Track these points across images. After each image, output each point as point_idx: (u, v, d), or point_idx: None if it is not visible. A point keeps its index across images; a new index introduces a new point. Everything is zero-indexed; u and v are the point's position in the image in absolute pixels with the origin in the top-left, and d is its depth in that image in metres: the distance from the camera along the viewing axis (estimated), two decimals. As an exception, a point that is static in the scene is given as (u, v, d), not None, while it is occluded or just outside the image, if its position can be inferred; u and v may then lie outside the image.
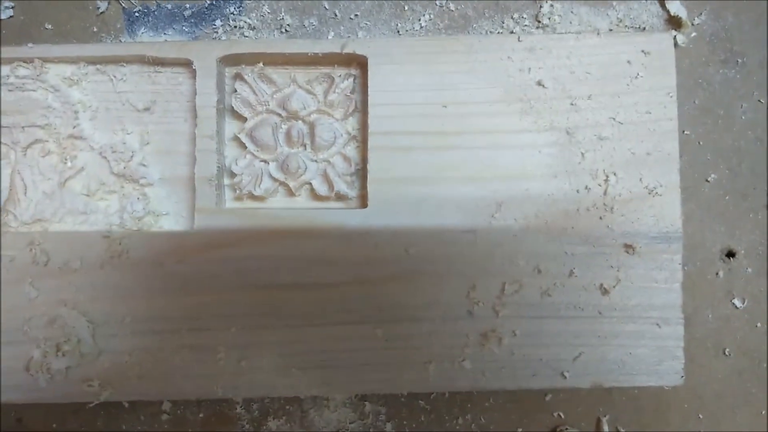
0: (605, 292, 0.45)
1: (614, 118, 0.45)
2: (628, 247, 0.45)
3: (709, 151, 0.51)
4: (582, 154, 0.45)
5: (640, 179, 0.45)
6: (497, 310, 0.45)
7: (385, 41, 0.47)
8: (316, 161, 0.47)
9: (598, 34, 0.46)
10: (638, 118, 0.45)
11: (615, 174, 0.45)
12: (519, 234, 0.45)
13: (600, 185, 0.45)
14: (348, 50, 0.46)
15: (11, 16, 0.51)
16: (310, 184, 0.47)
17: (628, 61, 0.46)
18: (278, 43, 0.47)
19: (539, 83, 0.45)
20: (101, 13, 0.51)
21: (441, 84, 0.46)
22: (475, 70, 0.46)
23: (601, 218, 0.45)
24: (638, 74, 0.46)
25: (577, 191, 0.45)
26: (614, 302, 0.45)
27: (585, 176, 0.45)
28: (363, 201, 0.46)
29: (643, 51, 0.46)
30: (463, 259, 0.45)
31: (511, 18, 0.51)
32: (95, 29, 0.51)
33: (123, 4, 0.51)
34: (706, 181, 0.51)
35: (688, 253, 0.49)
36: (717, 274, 0.51)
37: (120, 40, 0.51)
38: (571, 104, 0.45)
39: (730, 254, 0.51)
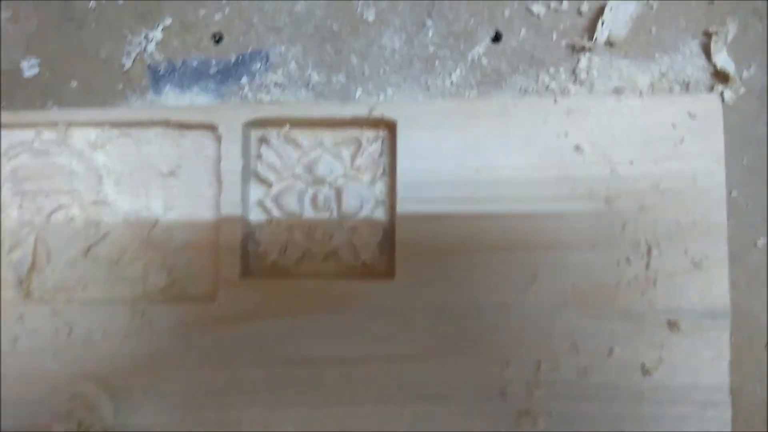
0: (647, 372, 0.42)
1: (657, 186, 0.43)
2: (672, 324, 0.42)
3: (758, 214, 0.48)
4: (623, 224, 0.43)
5: (685, 251, 0.43)
6: (532, 390, 0.43)
7: (414, 104, 0.45)
8: (342, 228, 0.45)
9: (640, 94, 0.44)
10: (683, 186, 0.43)
11: (658, 246, 0.43)
12: (555, 308, 0.43)
13: (642, 258, 0.43)
14: (376, 114, 0.44)
15: (37, 74, 0.50)
16: (337, 251, 0.45)
17: (673, 125, 0.43)
18: (305, 107, 0.45)
19: (577, 148, 0.43)
20: (126, 70, 0.50)
21: (473, 148, 0.44)
22: (508, 134, 0.44)
23: (642, 293, 0.43)
24: (683, 138, 0.43)
25: (618, 264, 0.43)
26: (656, 383, 0.42)
27: (626, 247, 0.43)
28: (391, 271, 0.44)
29: (688, 113, 0.43)
30: (496, 335, 0.43)
31: (547, 73, 0.48)
32: (121, 86, 0.50)
33: (148, 62, 0.50)
34: (755, 246, 0.47)
35: (735, 323, 0.46)
36: (766, 344, 0.47)
37: (146, 98, 0.50)
38: (611, 170, 0.43)
39: (781, 324, 0.47)
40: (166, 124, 0.45)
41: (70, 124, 0.46)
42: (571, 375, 0.43)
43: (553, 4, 0.48)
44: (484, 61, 0.49)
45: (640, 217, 0.43)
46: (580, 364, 0.43)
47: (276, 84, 0.50)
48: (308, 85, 0.49)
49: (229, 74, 0.50)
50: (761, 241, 0.47)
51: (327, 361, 0.43)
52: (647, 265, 0.43)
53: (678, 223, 0.43)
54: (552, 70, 0.48)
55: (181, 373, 0.44)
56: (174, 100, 0.50)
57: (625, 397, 0.42)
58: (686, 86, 0.48)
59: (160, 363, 0.44)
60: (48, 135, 0.46)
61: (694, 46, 0.48)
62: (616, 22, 0.47)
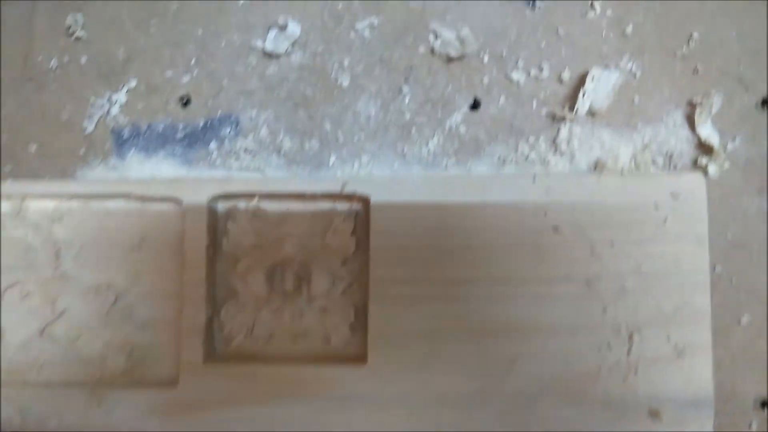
0: (628, 463, 0.40)
1: (639, 269, 0.42)
2: (654, 414, 0.41)
3: (742, 291, 0.46)
4: (604, 307, 0.41)
5: (668, 337, 0.41)
6: (509, 480, 0.41)
7: (388, 178, 0.43)
8: (312, 309, 0.43)
9: (621, 173, 0.42)
10: (665, 269, 0.41)
11: (640, 331, 0.41)
12: (534, 396, 0.41)
13: (623, 343, 0.42)
14: (349, 190, 0.42)
15: (-5, 136, 0.48)
16: (306, 333, 0.43)
17: (655, 205, 0.42)
18: (274, 181, 0.43)
19: (556, 228, 0.41)
20: (89, 134, 0.48)
21: (449, 227, 0.42)
22: (485, 213, 0.42)
23: (624, 380, 0.41)
24: (666, 219, 0.41)
25: (599, 349, 0.41)
26: (638, 474, 0.40)
27: (607, 332, 0.41)
28: (363, 355, 0.42)
29: (671, 193, 0.42)
30: (474, 424, 0.41)
31: (527, 142, 0.47)
32: (82, 151, 0.48)
33: (111, 125, 0.48)
34: (739, 324, 0.46)
35: (719, 403, 0.45)
36: (750, 425, 0.46)
37: (108, 163, 0.47)
38: (592, 252, 0.41)
39: (766, 404, 0.46)
40: (128, 197, 0.43)
41: (25, 196, 0.43)
42: (550, 467, 0.41)
43: (533, 72, 0.46)
44: (462, 129, 0.47)
45: (621, 300, 0.41)
46: (559, 455, 0.40)
47: (246, 150, 0.48)
48: (280, 151, 0.47)
49: (196, 139, 0.48)
50: (745, 319, 0.45)
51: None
52: (629, 351, 0.41)
53: (660, 307, 0.41)
54: (532, 139, 0.47)
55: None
56: (138, 165, 0.48)
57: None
58: (669, 158, 0.46)
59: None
60: (3, 206, 0.43)
61: (678, 116, 0.46)
62: (598, 92, 0.45)
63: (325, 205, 0.44)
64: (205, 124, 0.48)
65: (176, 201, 0.43)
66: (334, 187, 0.42)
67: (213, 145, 0.48)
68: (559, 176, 0.43)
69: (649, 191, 0.42)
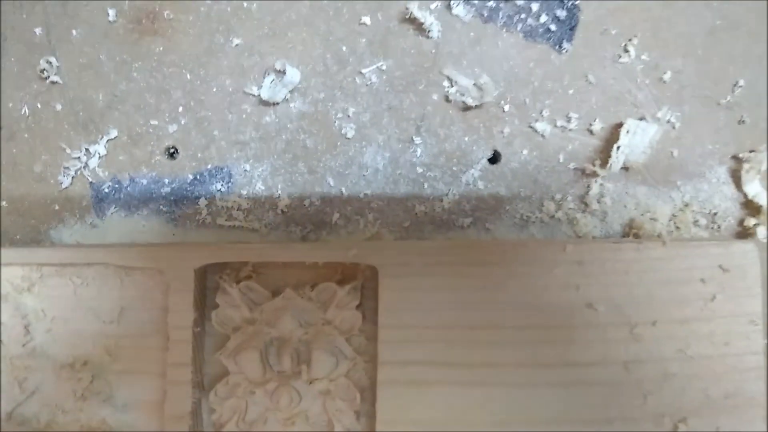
0: None
1: (684, 351, 0.37)
2: None
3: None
4: (644, 395, 0.37)
5: (718, 429, 0.36)
6: None
7: (400, 248, 0.38)
8: (313, 391, 0.38)
9: (663, 243, 0.37)
10: (714, 352, 0.37)
11: (685, 422, 0.37)
12: None
13: (666, 436, 0.36)
14: (355, 260, 0.37)
15: (-38, 190, 0.43)
16: (306, 419, 0.38)
17: (702, 280, 0.37)
18: (270, 248, 0.38)
19: (589, 305, 0.36)
20: (64, 189, 0.43)
21: (466, 303, 0.37)
22: (507, 287, 0.37)
23: (667, 479, 0.35)
24: (714, 296, 0.37)
25: (638, 443, 0.35)
26: None
27: (647, 424, 0.37)
28: (371, 450, 0.37)
29: (720, 266, 0.37)
30: None
31: (552, 200, 0.41)
32: (57, 207, 0.43)
33: (90, 179, 0.43)
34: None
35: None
36: None
37: (86, 221, 0.42)
38: (631, 332, 0.37)
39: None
40: (105, 265, 0.38)
41: (-9, 264, 0.38)
42: None
43: (559, 122, 0.41)
44: (480, 184, 0.42)
45: (664, 387, 0.37)
46: None
47: (239, 207, 0.42)
48: (277, 208, 0.43)
49: (184, 195, 0.43)
50: (800, 400, 0.40)
51: None
52: (673, 446, 0.36)
53: (708, 395, 0.37)
54: (558, 196, 0.42)
55: None
56: (120, 224, 0.43)
57: None
58: (713, 218, 0.41)
59: None
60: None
61: (722, 172, 0.41)
62: (633, 145, 0.40)
63: (326, 275, 0.39)
64: (194, 178, 0.43)
65: (159, 271, 0.37)
66: (338, 256, 0.37)
67: (202, 201, 0.43)
68: (593, 245, 0.37)
69: (695, 263, 0.37)
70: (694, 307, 0.37)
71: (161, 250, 0.38)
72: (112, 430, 0.39)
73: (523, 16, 0.41)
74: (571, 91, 0.42)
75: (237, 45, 0.43)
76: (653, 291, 0.37)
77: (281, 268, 0.39)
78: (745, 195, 0.41)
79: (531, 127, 0.42)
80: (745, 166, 0.41)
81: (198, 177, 0.43)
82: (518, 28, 0.41)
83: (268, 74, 0.42)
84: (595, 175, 0.41)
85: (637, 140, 0.40)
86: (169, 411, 0.37)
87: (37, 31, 0.44)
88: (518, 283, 0.37)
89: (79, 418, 0.39)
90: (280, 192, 0.43)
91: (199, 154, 0.43)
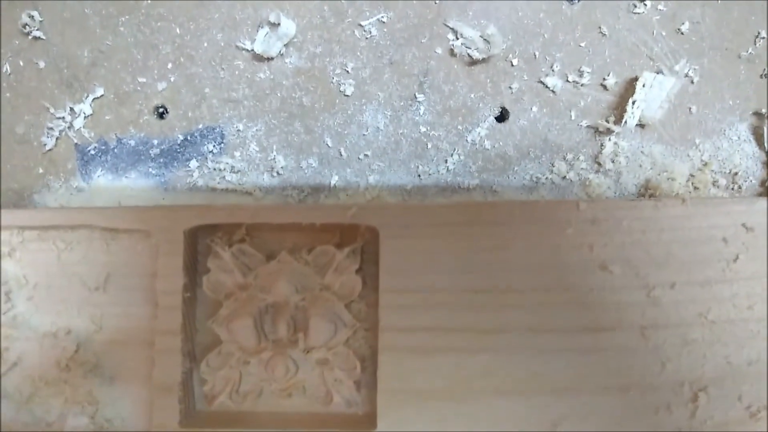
0: None
1: (705, 316, 0.34)
2: (723, 490, 0.33)
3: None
4: (662, 362, 0.35)
5: (739, 398, 0.34)
6: None
7: (402, 208, 0.35)
8: (310, 360, 0.36)
9: (683, 201, 0.34)
10: (737, 316, 0.35)
11: (706, 390, 0.34)
12: None
13: (686, 405, 0.35)
14: (354, 220, 0.34)
15: (-59, 153, 0.41)
16: (303, 391, 0.36)
17: (724, 239, 0.35)
18: (265, 209, 0.36)
19: (604, 267, 0.34)
20: (48, 150, 0.40)
21: (472, 265, 0.35)
22: (516, 248, 0.35)
23: (687, 450, 0.33)
24: (737, 256, 0.35)
25: (656, 412, 0.35)
26: None
27: (666, 392, 0.35)
28: (372, 418, 0.35)
29: (743, 225, 0.34)
30: None
31: (564, 159, 0.39)
32: (41, 170, 0.41)
33: (75, 141, 0.40)
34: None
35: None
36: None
37: (71, 185, 0.40)
38: (648, 295, 0.34)
39: None
40: (90, 228, 0.35)
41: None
42: None
43: (571, 77, 0.39)
44: (487, 144, 0.40)
45: (683, 353, 0.35)
46: None
47: (232, 169, 0.40)
48: (272, 170, 0.40)
49: (174, 156, 0.40)
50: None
51: None
52: (693, 415, 0.35)
53: (730, 361, 0.35)
54: (570, 156, 0.39)
55: None
56: (106, 187, 0.40)
57: None
58: (733, 178, 0.39)
59: None
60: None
61: (743, 129, 0.39)
62: (649, 100, 0.38)
63: (324, 238, 0.36)
64: (185, 138, 0.41)
65: (147, 233, 0.35)
66: (336, 217, 0.35)
67: (193, 163, 0.41)
68: (608, 203, 0.35)
69: (717, 222, 0.34)
70: (715, 268, 0.35)
71: (149, 212, 0.36)
72: (97, 404, 0.36)
73: (532, -37, 0.39)
74: (583, 44, 0.39)
75: (229, -3, 0.40)
76: (672, 251, 0.35)
77: (276, 231, 0.37)
78: (767, 152, 0.39)
79: (541, 82, 0.40)
80: (767, 121, 0.38)
81: (189, 138, 0.41)
82: (527, -23, 0.39)
83: (262, 27, 0.40)
84: (608, 132, 0.39)
85: (653, 95, 0.38)
86: (158, 381, 0.35)
87: (19, -16, 0.41)
88: (527, 244, 0.35)
89: (63, 390, 0.37)
90: (275, 153, 0.40)
91: (189, 114, 0.41)
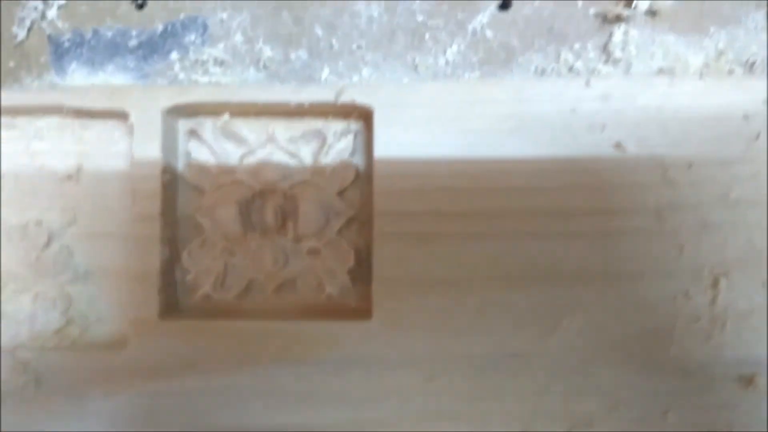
0: (714, 444, 0.31)
1: (726, 196, 0.32)
2: (746, 380, 0.32)
3: None
4: (680, 246, 0.32)
5: (764, 283, 0.32)
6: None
7: (397, 87, 0.33)
8: (301, 251, 0.33)
9: (701, 76, 0.32)
10: (759, 196, 0.32)
11: (727, 275, 0.32)
12: (589, 360, 0.32)
13: (706, 291, 0.32)
14: (346, 99, 0.32)
15: None
16: (294, 281, 0.33)
17: (745, 116, 0.32)
18: (249, 89, 0.33)
19: (618, 146, 0.32)
20: (20, 43, 0.37)
21: (474, 146, 0.33)
22: (523, 128, 0.32)
23: (707, 339, 0.32)
24: (759, 134, 0.33)
25: (674, 299, 0.32)
26: (725, 460, 0.31)
27: (684, 278, 0.32)
28: (366, 309, 0.33)
29: (765, 101, 0.32)
30: (511, 396, 0.32)
31: (571, 50, 0.37)
32: (12, 64, 0.38)
33: (48, 32, 0.37)
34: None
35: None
36: None
37: (44, 79, 0.37)
38: (663, 176, 0.32)
39: None
40: (61, 111, 0.33)
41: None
42: (612, 450, 0.31)
43: (577, -40, 0.36)
44: (489, 33, 0.38)
45: (702, 237, 0.32)
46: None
47: (216, 61, 0.38)
48: (259, 63, 0.38)
49: (154, 49, 0.38)
50: None
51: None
52: (713, 302, 0.32)
53: (753, 245, 0.32)
54: (577, 46, 0.37)
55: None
56: (82, 81, 0.37)
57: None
58: (750, 68, 0.36)
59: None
60: None
61: (760, 17, 0.37)
62: (661, -17, 0.35)
63: (316, 124, 0.34)
64: (165, 29, 0.38)
65: (122, 115, 0.32)
66: (327, 96, 0.32)
67: (174, 55, 0.38)
68: (620, 80, 0.33)
69: (737, 98, 0.32)
70: (735, 146, 0.33)
71: (125, 90, 0.34)
72: (70, 299, 0.33)
73: None
74: (590, -77, 0.37)
75: None
76: (689, 129, 0.33)
77: (263, 116, 0.34)
78: (786, 40, 0.37)
79: (546, -34, 0.37)
80: (786, 7, 0.36)
81: (169, 28, 0.38)
82: None
83: None
84: (618, 20, 0.37)
85: (665, -24, 0.36)
86: (135, 270, 0.33)
87: None
88: (535, 123, 0.32)
89: (32, 286, 0.34)
90: (261, 44, 0.38)
91: (170, 3, 0.38)
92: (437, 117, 0.33)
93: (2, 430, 0.33)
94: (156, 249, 0.33)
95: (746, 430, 0.32)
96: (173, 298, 0.34)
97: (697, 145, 0.32)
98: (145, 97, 0.33)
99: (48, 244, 0.34)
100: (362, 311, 0.33)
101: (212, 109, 0.34)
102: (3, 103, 0.34)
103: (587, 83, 0.33)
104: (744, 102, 0.32)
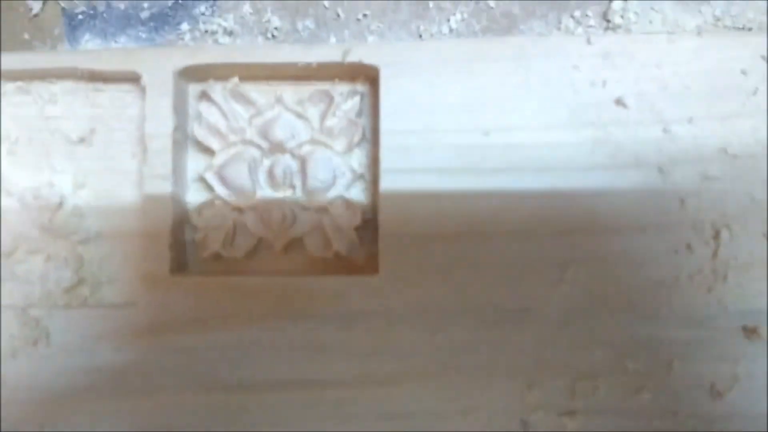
0: (717, 394, 0.32)
1: (725, 150, 0.33)
2: (750, 331, 0.32)
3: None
4: (681, 200, 0.33)
5: (764, 235, 0.32)
6: (564, 421, 0.31)
7: (403, 46, 0.34)
8: (308, 209, 0.33)
9: (699, 33, 0.32)
10: (759, 149, 0.33)
11: (728, 228, 0.33)
12: (592, 313, 0.32)
13: (707, 243, 0.33)
14: (352, 59, 0.33)
15: None
16: (301, 240, 0.34)
17: (743, 71, 0.33)
18: (258, 51, 0.34)
19: (619, 101, 0.33)
20: (35, 15, 0.39)
21: (480, 103, 0.33)
22: (528, 84, 0.33)
23: (709, 290, 0.32)
24: (757, 89, 0.33)
25: (676, 252, 0.33)
26: (729, 408, 0.32)
27: (686, 231, 0.33)
28: (373, 265, 0.33)
29: (762, 57, 0.32)
30: (515, 348, 0.32)
31: (571, 17, 0.38)
32: (27, 36, 0.39)
33: (63, 5, 0.38)
34: None
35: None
36: None
37: (58, 50, 0.38)
38: (664, 130, 0.33)
39: None
40: (74, 75, 0.34)
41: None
42: (616, 400, 0.32)
43: (577, -71, 0.37)
44: (491, 2, 0.38)
45: (703, 190, 0.33)
46: (629, 384, 0.32)
47: (225, 31, 0.39)
48: (266, 32, 0.39)
49: (165, 20, 0.39)
50: None
51: (285, 386, 0.33)
52: (715, 254, 0.33)
53: (754, 197, 0.33)
54: (578, 13, 0.38)
55: (87, 405, 0.33)
56: (94, 51, 0.38)
57: (688, 426, 0.32)
58: (747, 34, 0.37)
59: (59, 390, 0.33)
60: None
61: (757, -17, 0.37)
62: (658, -51, 0.36)
63: (323, 85, 0.34)
64: (176, 1, 0.39)
65: (134, 76, 0.33)
66: (334, 55, 0.33)
67: (185, 26, 0.39)
68: (622, 38, 0.33)
69: (735, 53, 0.33)
70: (734, 101, 0.33)
71: (137, 52, 0.35)
72: (81, 259, 0.34)
73: None
74: None
75: None
76: (688, 84, 0.33)
77: (271, 80, 0.35)
78: (784, 5, 0.37)
79: (546, -65, 0.38)
80: (783, -29, 0.37)
81: (180, 0, 0.39)
82: None
83: None
84: (617, -15, 0.37)
85: (663, -59, 0.36)
86: (147, 227, 0.33)
87: None
88: (539, 80, 0.33)
89: (44, 248, 0.34)
90: (269, 15, 0.39)
91: (181, -25, 0.39)
92: (443, 75, 0.33)
93: (13, 382, 0.33)
94: (168, 206, 0.33)
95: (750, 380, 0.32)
96: (183, 257, 0.34)
97: (696, 100, 0.33)
98: (157, 57, 0.34)
99: (60, 205, 0.35)
100: (369, 266, 0.34)
101: (222, 73, 0.34)
102: (18, 67, 0.34)
103: (588, 41, 0.33)
104: (742, 57, 0.33)
